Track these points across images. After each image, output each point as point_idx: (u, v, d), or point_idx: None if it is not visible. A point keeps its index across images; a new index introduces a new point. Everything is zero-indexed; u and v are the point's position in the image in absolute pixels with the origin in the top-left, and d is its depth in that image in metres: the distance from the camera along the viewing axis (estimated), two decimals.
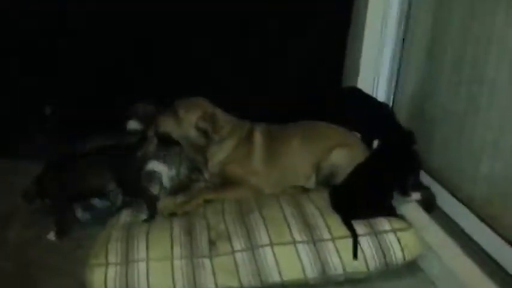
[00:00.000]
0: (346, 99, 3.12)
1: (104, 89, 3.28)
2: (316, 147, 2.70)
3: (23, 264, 2.35)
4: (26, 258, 2.40)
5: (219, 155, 2.74)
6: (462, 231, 2.36)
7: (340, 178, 2.53)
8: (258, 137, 2.76)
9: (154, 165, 2.72)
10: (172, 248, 2.17)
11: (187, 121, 2.69)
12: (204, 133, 2.68)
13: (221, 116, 2.76)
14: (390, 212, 2.37)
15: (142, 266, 2.11)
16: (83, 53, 3.21)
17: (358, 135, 2.92)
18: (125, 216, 2.49)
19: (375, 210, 2.34)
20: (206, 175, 2.80)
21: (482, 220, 2.27)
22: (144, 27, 3.19)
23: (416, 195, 2.53)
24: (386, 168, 2.49)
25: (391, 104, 3.21)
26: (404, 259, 2.23)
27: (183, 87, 3.05)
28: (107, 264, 2.11)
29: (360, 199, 2.36)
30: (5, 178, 3.15)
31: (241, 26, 3.25)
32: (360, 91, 3.12)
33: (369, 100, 3.04)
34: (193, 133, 2.70)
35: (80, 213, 2.66)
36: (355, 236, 2.20)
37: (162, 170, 2.73)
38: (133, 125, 2.76)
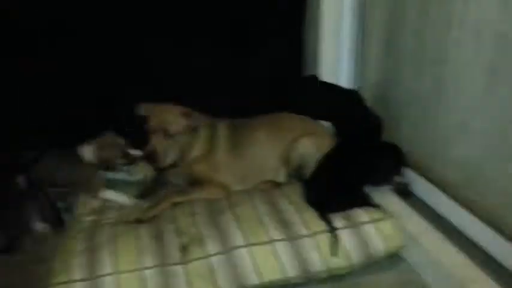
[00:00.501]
0: (308, 89, 3.02)
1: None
2: (282, 139, 2.60)
3: None
4: None
5: (191, 154, 2.58)
6: (438, 216, 2.31)
7: (310, 168, 2.44)
8: (221, 131, 2.63)
9: (112, 195, 2.54)
10: (141, 257, 2.00)
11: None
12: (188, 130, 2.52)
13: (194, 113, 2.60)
14: (365, 201, 2.29)
15: (110, 280, 1.93)
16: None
17: (328, 124, 2.83)
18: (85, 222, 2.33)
19: (348, 201, 2.25)
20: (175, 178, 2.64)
21: (458, 203, 2.22)
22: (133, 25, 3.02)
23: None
24: (354, 158, 2.40)
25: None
26: (386, 250, 2.15)
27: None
28: (73, 282, 1.92)
29: (330, 191, 2.27)
30: None
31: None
32: (319, 80, 3.06)
33: (333, 88, 2.95)
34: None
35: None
36: (333, 231, 2.10)
37: (120, 200, 2.53)
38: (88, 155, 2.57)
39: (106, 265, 1.97)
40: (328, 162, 2.40)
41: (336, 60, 3.14)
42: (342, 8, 3.03)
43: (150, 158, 2.43)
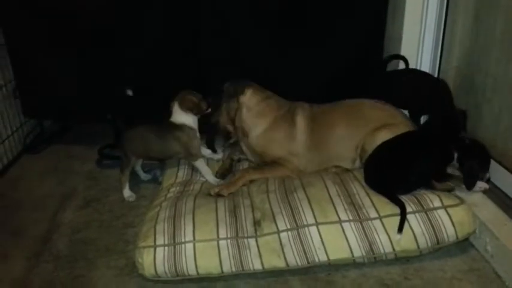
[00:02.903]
0: (396, 75, 2.90)
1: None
2: (361, 130, 2.48)
3: (77, 245, 2.33)
4: (79, 239, 2.38)
5: (257, 128, 2.60)
6: None
7: None
8: (300, 120, 2.58)
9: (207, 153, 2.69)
10: (218, 229, 2.08)
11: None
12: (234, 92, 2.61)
13: (257, 88, 2.65)
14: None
15: (189, 247, 2.04)
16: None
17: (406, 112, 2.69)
18: (171, 191, 2.45)
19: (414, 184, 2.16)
20: (244, 148, 2.71)
21: None
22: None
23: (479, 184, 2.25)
24: (423, 146, 2.27)
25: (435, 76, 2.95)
26: (457, 237, 2.06)
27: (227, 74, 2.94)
28: (155, 247, 2.05)
29: (395, 176, 2.18)
30: (62, 162, 3.17)
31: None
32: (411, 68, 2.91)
33: (423, 76, 2.79)
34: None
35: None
36: (403, 209, 2.04)
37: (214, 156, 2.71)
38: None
39: (186, 233, 2.07)
40: (394, 146, 2.29)
41: (418, 43, 2.96)
42: None
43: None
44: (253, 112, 2.61)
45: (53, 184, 2.90)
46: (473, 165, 2.19)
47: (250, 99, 2.61)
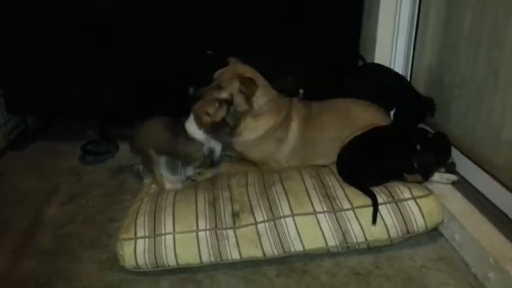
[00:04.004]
0: (364, 71, 2.96)
1: None
2: (348, 130, 2.45)
3: (60, 239, 2.34)
4: (63, 233, 2.38)
5: (251, 134, 2.55)
6: (483, 197, 2.22)
7: None
8: (294, 126, 2.55)
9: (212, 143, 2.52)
10: (197, 220, 2.11)
11: (230, 86, 2.48)
12: (246, 98, 2.49)
13: (263, 84, 2.55)
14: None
15: (169, 238, 2.07)
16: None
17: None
18: (153, 187, 2.46)
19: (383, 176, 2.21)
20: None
21: (505, 186, 2.11)
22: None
23: (445, 176, 2.34)
24: (391, 141, 2.31)
25: (408, 75, 3.03)
26: (426, 227, 2.11)
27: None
28: (135, 239, 2.07)
29: (365, 168, 2.22)
30: (46, 159, 3.16)
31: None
32: (377, 64, 2.97)
33: (386, 71, 2.86)
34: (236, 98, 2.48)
35: None
36: (374, 201, 2.08)
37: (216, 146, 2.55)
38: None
39: (166, 225, 2.10)
40: (366, 140, 2.33)
41: (391, 43, 3.03)
42: None
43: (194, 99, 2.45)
44: (254, 115, 2.54)
45: (37, 180, 2.89)
46: (428, 156, 2.22)
47: (257, 101, 2.52)
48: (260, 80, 2.54)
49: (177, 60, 3.08)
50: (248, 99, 2.49)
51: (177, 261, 2.04)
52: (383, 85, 2.76)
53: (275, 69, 3.04)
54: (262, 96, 2.53)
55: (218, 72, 2.55)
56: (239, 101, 2.48)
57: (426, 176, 2.24)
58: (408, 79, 2.99)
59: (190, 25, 3.03)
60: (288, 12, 3.10)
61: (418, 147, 2.25)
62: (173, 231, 2.07)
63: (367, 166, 2.21)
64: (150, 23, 3.01)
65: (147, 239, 2.06)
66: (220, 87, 2.48)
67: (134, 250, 2.04)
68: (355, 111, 2.56)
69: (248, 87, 2.46)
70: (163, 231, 2.08)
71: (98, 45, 3.02)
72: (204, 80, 2.84)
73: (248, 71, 2.53)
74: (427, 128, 2.64)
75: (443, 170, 2.38)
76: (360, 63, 3.12)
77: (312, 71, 3.07)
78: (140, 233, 2.08)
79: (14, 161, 3.18)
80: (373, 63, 3.01)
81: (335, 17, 3.11)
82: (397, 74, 2.87)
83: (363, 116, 2.52)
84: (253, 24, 3.05)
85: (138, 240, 2.06)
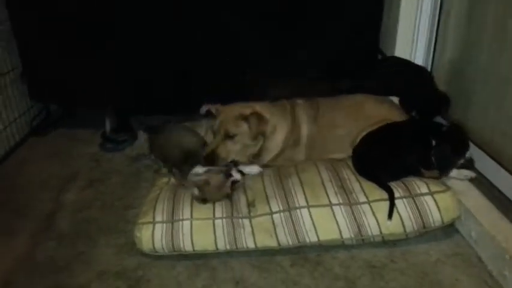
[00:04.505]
0: (385, 64, 2.92)
1: None
2: (361, 125, 2.42)
3: (79, 224, 2.38)
4: (82, 218, 2.42)
5: (270, 152, 2.46)
6: (503, 195, 2.17)
7: None
8: (304, 129, 2.49)
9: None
10: (214, 209, 2.13)
11: (242, 133, 2.35)
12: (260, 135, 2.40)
13: (263, 110, 2.42)
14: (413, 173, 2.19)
15: (186, 224, 2.09)
16: None
17: (397, 99, 2.71)
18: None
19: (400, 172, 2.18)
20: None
21: None
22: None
23: (463, 172, 2.27)
24: (408, 136, 2.27)
25: (429, 69, 2.97)
26: (442, 222, 2.09)
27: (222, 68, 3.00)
28: (154, 223, 2.10)
29: (382, 163, 2.20)
30: (66, 145, 3.20)
31: None
32: (397, 57, 2.93)
33: (407, 65, 2.82)
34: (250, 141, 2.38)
35: None
36: (391, 196, 2.06)
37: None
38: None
39: (184, 212, 2.12)
40: (380, 135, 2.30)
41: (412, 36, 2.98)
42: None
43: (209, 158, 2.29)
44: (267, 140, 2.44)
45: (57, 166, 2.94)
46: (445, 149, 2.16)
47: (266, 131, 2.41)
48: (257, 107, 2.42)
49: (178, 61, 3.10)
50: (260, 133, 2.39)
51: (193, 246, 2.06)
52: (402, 79, 2.72)
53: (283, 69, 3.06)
54: (269, 113, 2.43)
55: (216, 122, 2.39)
56: (251, 140, 2.36)
57: (445, 170, 2.20)
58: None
59: (190, 26, 3.03)
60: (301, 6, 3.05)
61: (434, 142, 2.20)
62: (191, 218, 2.09)
63: (382, 161, 2.19)
64: (150, 24, 3.01)
65: (165, 224, 2.09)
66: (228, 136, 2.33)
67: (152, 234, 2.07)
68: (367, 107, 2.52)
69: (258, 125, 2.33)
70: (181, 217, 2.10)
71: (113, 39, 3.03)
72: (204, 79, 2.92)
73: (246, 108, 2.38)
74: (442, 122, 2.60)
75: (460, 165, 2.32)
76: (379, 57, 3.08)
77: (333, 64, 3.03)
78: (158, 218, 2.11)
79: (36, 146, 3.23)
80: (393, 56, 2.97)
81: (354, 12, 3.05)
82: (418, 67, 2.82)
83: (375, 112, 2.48)
84: (254, 25, 3.01)
85: (156, 225, 2.09)
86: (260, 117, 2.35)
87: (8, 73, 3.18)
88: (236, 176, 2.22)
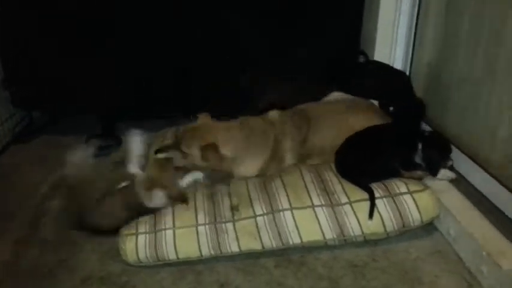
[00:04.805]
0: (365, 68, 2.96)
1: None
2: (344, 136, 2.37)
3: (64, 232, 2.33)
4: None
5: (245, 175, 2.36)
6: (480, 193, 2.22)
7: None
8: (288, 156, 2.42)
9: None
10: (196, 215, 2.12)
11: (193, 156, 2.27)
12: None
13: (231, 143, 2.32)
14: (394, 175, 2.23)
15: (169, 233, 2.08)
16: None
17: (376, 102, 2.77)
18: None
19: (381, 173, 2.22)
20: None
21: (500, 182, 2.11)
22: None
23: (446, 173, 2.31)
24: (389, 139, 2.32)
25: (407, 73, 3.02)
26: (422, 221, 2.12)
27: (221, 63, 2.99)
28: (137, 234, 2.09)
29: (363, 164, 2.23)
30: (50, 152, 3.16)
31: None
32: (378, 61, 2.98)
33: (386, 68, 2.87)
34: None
35: None
36: (371, 196, 2.09)
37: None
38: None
39: (166, 221, 2.11)
40: (360, 139, 2.33)
41: (391, 40, 3.02)
42: None
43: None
44: (237, 166, 2.36)
45: (41, 172, 2.89)
46: (434, 153, 2.25)
47: (227, 153, 2.29)
48: (222, 135, 2.31)
49: (176, 60, 3.08)
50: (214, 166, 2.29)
51: (177, 255, 2.06)
52: (385, 85, 2.77)
53: (275, 69, 3.08)
54: (233, 148, 2.31)
55: (183, 129, 2.36)
56: (204, 165, 2.28)
57: (434, 171, 2.26)
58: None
59: (190, 25, 3.02)
60: (287, 12, 3.06)
61: (420, 145, 2.26)
62: (173, 227, 2.08)
63: (362, 164, 2.22)
64: (149, 24, 2.99)
65: (147, 235, 2.08)
66: (181, 152, 2.27)
67: (136, 245, 2.06)
68: (352, 121, 2.45)
69: (211, 157, 2.23)
70: (163, 227, 2.09)
71: (98, 45, 3.00)
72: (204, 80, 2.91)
73: (209, 135, 2.28)
74: (425, 127, 2.66)
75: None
76: (361, 58, 3.11)
77: (315, 69, 3.06)
78: (141, 229, 2.10)
79: (20, 153, 3.18)
80: (375, 61, 3.01)
81: (335, 16, 3.09)
82: (398, 72, 2.87)
83: (358, 123, 2.43)
84: (253, 24, 3.02)
85: (139, 236, 2.07)
86: (214, 152, 2.23)
87: None
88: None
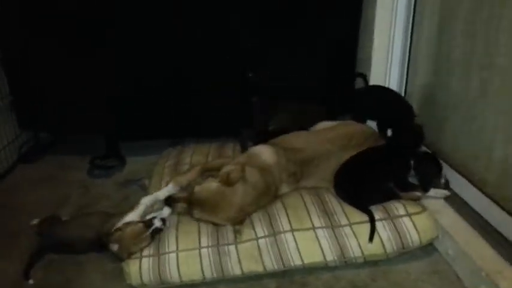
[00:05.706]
0: (374, 92, 2.94)
1: None
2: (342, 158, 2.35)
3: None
4: None
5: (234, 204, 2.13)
6: (477, 213, 2.21)
7: None
8: (283, 190, 2.32)
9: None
10: (199, 238, 2.09)
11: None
12: None
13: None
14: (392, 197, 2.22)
15: (172, 256, 2.04)
16: None
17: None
18: None
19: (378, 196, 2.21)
20: None
21: (496, 202, 2.11)
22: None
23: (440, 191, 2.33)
24: (383, 160, 2.32)
25: (402, 94, 3.02)
26: (421, 242, 2.11)
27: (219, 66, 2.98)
28: (140, 258, 2.05)
29: (361, 187, 2.22)
30: (55, 171, 3.16)
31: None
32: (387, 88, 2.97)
33: (389, 92, 2.88)
34: None
35: None
36: (372, 220, 2.07)
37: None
38: None
39: (169, 244, 2.08)
40: (356, 163, 2.32)
41: (386, 63, 3.03)
42: (394, 9, 2.90)
43: None
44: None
45: (46, 192, 2.88)
46: (425, 167, 2.27)
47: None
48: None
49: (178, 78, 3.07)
50: None
51: (180, 278, 2.03)
52: (386, 106, 2.77)
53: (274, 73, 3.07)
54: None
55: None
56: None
57: (427, 187, 2.26)
58: None
59: (189, 27, 3.00)
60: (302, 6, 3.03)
61: (412, 162, 2.26)
62: (176, 250, 2.05)
63: (357, 186, 2.21)
64: (147, 27, 2.96)
65: (151, 258, 2.04)
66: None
67: (139, 268, 2.02)
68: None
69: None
70: (167, 250, 2.06)
71: (101, 67, 3.00)
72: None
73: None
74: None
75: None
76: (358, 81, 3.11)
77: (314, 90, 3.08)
78: (145, 252, 2.06)
79: (26, 173, 3.17)
80: (377, 85, 2.99)
81: (331, 39, 3.10)
82: (400, 96, 2.88)
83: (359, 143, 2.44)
84: (254, 23, 3.01)
85: (143, 259, 2.04)
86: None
87: None
88: (157, 224, 2.09)
